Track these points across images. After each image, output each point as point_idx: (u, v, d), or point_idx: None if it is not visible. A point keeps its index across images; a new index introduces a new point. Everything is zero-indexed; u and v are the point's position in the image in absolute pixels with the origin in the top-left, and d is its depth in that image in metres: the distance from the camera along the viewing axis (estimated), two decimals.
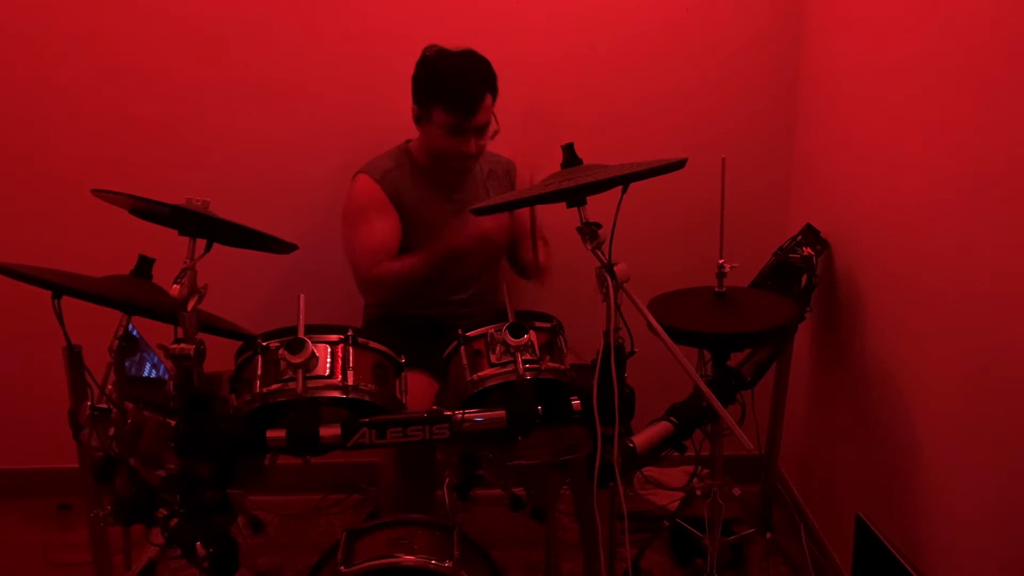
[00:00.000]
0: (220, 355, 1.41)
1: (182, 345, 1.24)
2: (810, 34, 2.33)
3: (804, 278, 2.08)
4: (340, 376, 1.32)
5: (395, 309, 2.18)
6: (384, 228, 2.08)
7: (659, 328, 1.31)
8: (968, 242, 1.53)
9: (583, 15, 2.35)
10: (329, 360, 1.32)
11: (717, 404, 1.33)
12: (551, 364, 1.40)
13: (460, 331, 1.43)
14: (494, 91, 2.00)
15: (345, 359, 1.33)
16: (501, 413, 1.36)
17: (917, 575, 1.67)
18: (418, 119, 2.05)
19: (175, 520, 1.38)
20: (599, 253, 1.30)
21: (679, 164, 1.36)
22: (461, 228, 1.97)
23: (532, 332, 1.39)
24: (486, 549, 1.61)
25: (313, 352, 1.29)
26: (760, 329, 1.78)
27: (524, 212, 2.12)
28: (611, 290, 1.29)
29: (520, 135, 2.07)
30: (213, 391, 1.31)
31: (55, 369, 1.56)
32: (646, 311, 1.31)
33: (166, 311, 1.41)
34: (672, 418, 1.56)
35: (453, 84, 1.96)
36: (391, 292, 2.10)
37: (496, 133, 2.03)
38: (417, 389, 1.59)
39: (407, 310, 2.15)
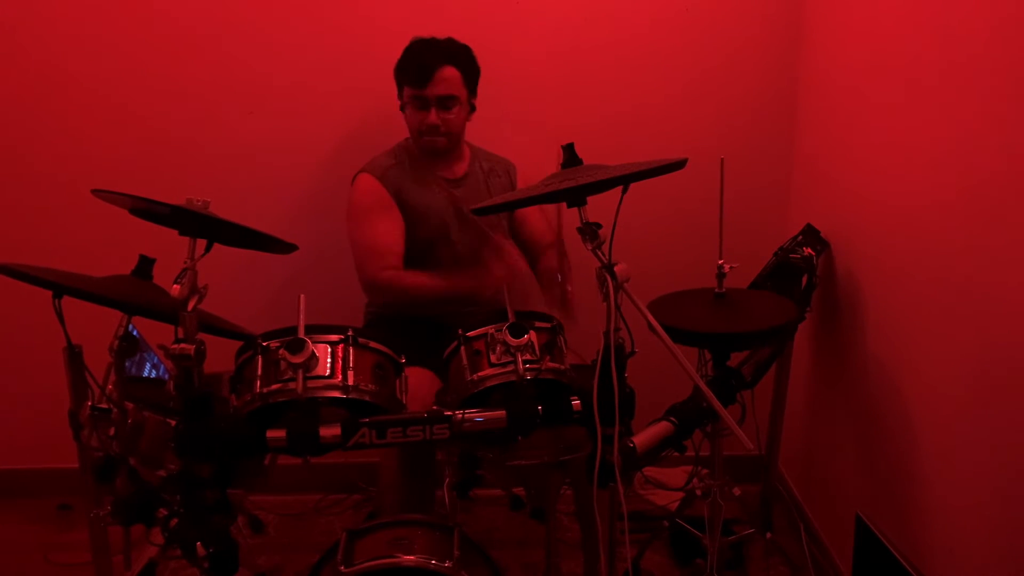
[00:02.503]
0: (220, 355, 1.41)
1: (182, 345, 1.24)
2: (810, 34, 2.33)
3: (804, 278, 2.08)
4: (340, 376, 1.32)
5: (396, 310, 2.18)
6: (388, 227, 2.08)
7: (659, 328, 1.31)
8: (968, 242, 1.53)
9: (583, 15, 2.35)
10: (329, 360, 1.32)
11: (717, 404, 1.33)
12: (551, 364, 1.40)
13: (460, 331, 1.44)
14: (461, 65, 2.06)
15: (345, 359, 1.33)
16: (501, 413, 1.36)
17: (917, 575, 1.66)
18: (401, 107, 2.11)
19: (175, 520, 1.38)
20: (599, 253, 1.31)
21: (679, 164, 1.36)
22: (487, 274, 1.96)
23: (532, 332, 1.39)
24: (486, 549, 1.61)
25: (313, 352, 1.29)
26: (760, 330, 1.78)
27: (537, 223, 2.14)
28: (611, 290, 1.29)
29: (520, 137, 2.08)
30: (213, 391, 1.31)
31: (55, 369, 1.56)
32: (646, 311, 1.31)
33: (166, 311, 1.41)
34: (672, 418, 1.56)
35: (410, 57, 2.05)
36: (395, 299, 2.10)
37: (472, 112, 2.09)
38: (418, 385, 1.59)
39: (409, 311, 2.15)
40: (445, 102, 2.05)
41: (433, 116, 2.05)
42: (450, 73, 2.03)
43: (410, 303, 2.08)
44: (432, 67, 2.02)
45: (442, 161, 2.16)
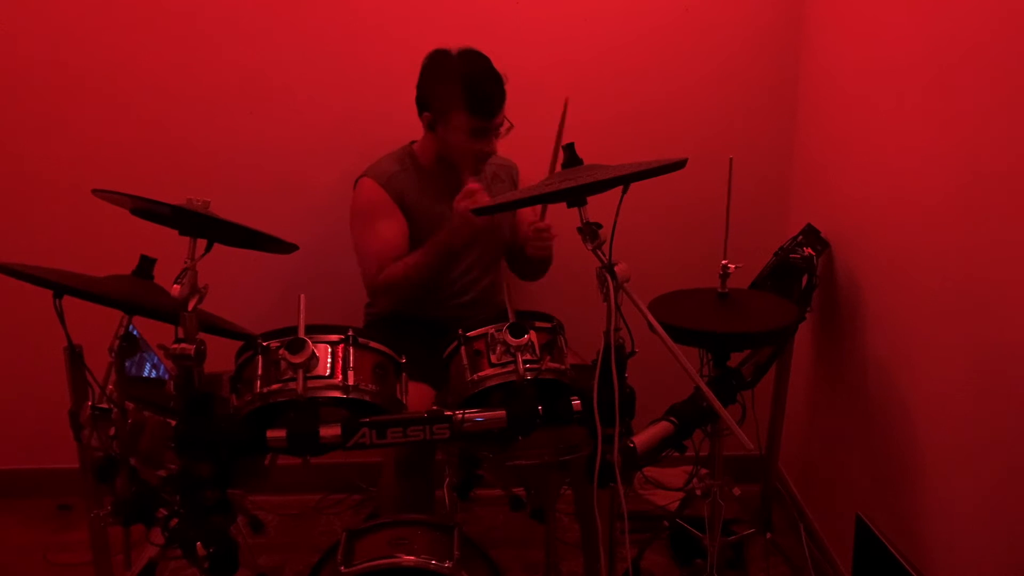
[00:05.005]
0: (220, 355, 1.41)
1: (182, 345, 1.24)
2: (810, 34, 2.33)
3: (805, 278, 2.08)
4: (340, 376, 1.32)
5: (396, 312, 2.18)
6: (390, 233, 2.07)
7: (659, 328, 1.31)
8: (968, 242, 1.53)
9: (583, 15, 2.35)
10: (329, 360, 1.32)
11: (717, 404, 1.33)
12: (551, 364, 1.40)
13: (460, 331, 1.44)
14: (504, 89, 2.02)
15: (345, 359, 1.33)
16: (501, 413, 1.36)
17: (917, 575, 1.67)
18: (432, 124, 2.04)
19: (175, 520, 1.38)
20: (599, 253, 1.31)
21: (679, 164, 1.36)
22: (458, 219, 1.93)
23: (532, 332, 1.39)
24: (486, 549, 1.61)
25: (313, 352, 1.29)
26: (762, 330, 1.78)
27: (525, 211, 2.13)
28: (611, 290, 1.29)
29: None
30: (213, 391, 1.31)
31: (56, 369, 1.56)
32: (646, 311, 1.31)
33: (167, 311, 1.41)
34: (672, 418, 1.56)
35: (475, 88, 1.95)
36: (401, 294, 2.08)
37: (510, 129, 2.04)
38: (416, 400, 1.58)
39: (408, 313, 2.15)
40: (498, 128, 2.02)
41: (494, 144, 2.03)
42: (504, 100, 2.00)
43: (415, 289, 2.03)
44: (498, 99, 1.97)
45: (452, 172, 2.15)
